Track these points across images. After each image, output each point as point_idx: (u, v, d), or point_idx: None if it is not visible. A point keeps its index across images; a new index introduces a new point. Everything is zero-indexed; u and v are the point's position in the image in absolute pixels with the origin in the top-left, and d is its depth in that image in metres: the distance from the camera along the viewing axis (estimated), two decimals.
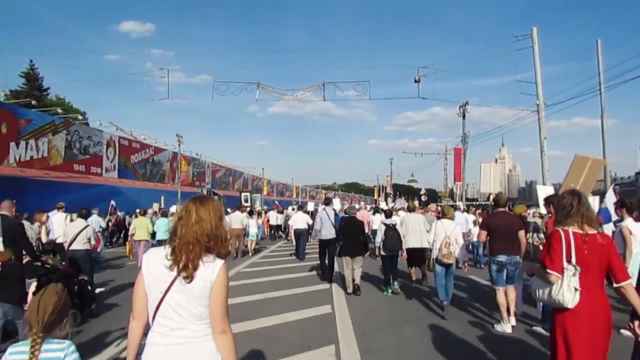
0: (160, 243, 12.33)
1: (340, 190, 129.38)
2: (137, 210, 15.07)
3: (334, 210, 10.77)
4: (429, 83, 20.96)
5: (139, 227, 12.55)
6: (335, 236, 9.57)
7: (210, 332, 1.90)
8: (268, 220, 23.57)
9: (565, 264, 2.80)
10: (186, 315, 1.87)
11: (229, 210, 20.76)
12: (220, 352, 1.90)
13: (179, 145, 35.21)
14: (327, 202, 11.66)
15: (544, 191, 9.24)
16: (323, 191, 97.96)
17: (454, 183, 31.34)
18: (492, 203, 6.87)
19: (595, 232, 2.87)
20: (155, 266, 1.92)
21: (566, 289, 2.76)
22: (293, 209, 22.64)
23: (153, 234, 12.98)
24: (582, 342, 2.72)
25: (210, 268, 1.89)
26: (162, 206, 21.07)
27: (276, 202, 33.18)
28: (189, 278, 1.86)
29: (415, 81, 19.20)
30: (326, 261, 9.84)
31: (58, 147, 26.63)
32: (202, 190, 43.60)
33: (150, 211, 15.40)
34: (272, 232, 23.09)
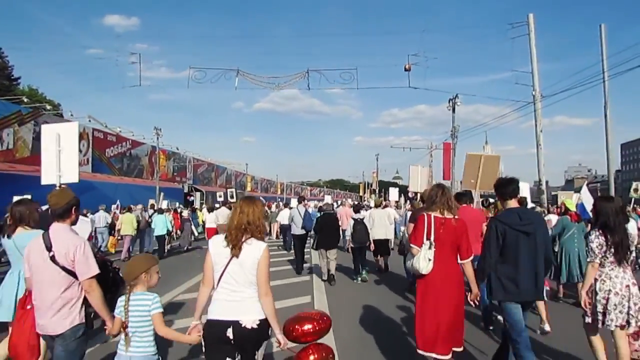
0: (159, 238, 13.47)
1: (326, 186, 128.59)
2: (116, 205, 16.25)
3: (305, 208, 11.46)
4: (420, 73, 20.08)
5: (125, 222, 13.18)
6: (304, 232, 10.49)
7: (256, 296, 2.69)
8: None
9: (424, 240, 3.55)
10: (241, 282, 2.68)
11: (216, 205, 20.46)
12: (264, 309, 2.68)
13: (158, 138, 33.65)
14: (300, 200, 12.32)
15: (523, 187, 9.40)
16: (308, 187, 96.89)
17: (442, 179, 30.49)
18: (420, 199, 7.60)
19: (452, 217, 3.64)
20: (217, 247, 2.76)
21: (422, 259, 3.52)
22: (277, 206, 22.72)
23: (137, 230, 13.62)
24: (436, 300, 3.50)
25: (257, 249, 2.71)
26: (161, 204, 20.43)
27: (260, 198, 32.16)
28: (238, 253, 2.68)
29: (406, 69, 18.13)
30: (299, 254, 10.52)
31: (25, 139, 24.83)
32: (182, 186, 42.00)
33: (138, 207, 15.55)
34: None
